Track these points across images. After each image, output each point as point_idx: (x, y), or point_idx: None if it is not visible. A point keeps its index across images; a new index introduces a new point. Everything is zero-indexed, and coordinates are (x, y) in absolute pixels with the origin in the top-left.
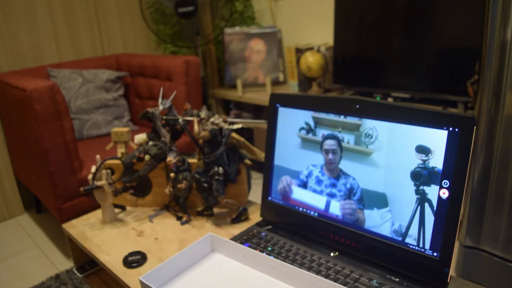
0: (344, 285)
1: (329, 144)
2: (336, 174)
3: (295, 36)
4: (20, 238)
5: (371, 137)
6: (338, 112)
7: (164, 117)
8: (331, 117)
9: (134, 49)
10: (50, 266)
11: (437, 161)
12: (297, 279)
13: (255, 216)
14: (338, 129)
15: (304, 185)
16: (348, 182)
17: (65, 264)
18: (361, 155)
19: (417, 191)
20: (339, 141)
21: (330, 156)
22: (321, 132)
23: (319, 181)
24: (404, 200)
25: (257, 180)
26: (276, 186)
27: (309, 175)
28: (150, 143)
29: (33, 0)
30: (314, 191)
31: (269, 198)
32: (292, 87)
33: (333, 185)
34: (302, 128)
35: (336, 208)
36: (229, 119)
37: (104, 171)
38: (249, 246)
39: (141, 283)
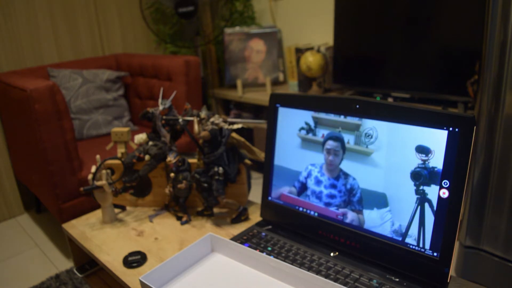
0: (344, 285)
1: (332, 145)
2: (336, 174)
3: (295, 36)
4: (20, 238)
5: (371, 137)
6: (338, 112)
7: (164, 117)
8: (331, 117)
9: (134, 49)
10: (50, 266)
11: (437, 161)
12: (297, 279)
13: (255, 216)
14: (338, 129)
15: (303, 185)
16: (348, 183)
17: (65, 264)
18: (361, 155)
19: (417, 191)
20: (342, 143)
21: (331, 157)
22: (321, 132)
23: (318, 182)
24: (404, 200)
25: (257, 180)
26: (276, 186)
27: (308, 175)
28: (150, 143)
29: (33, 0)
30: (314, 191)
31: (269, 198)
32: (292, 87)
33: (333, 186)
34: (302, 128)
35: (335, 208)
36: (229, 119)
37: (104, 171)
38: (249, 246)
39: (141, 283)
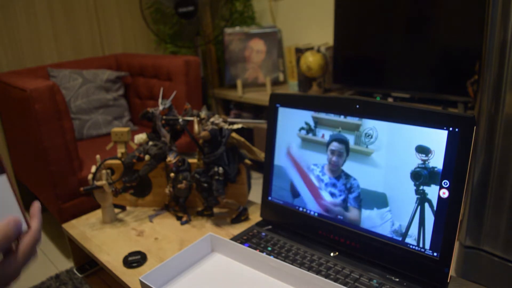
0: (344, 285)
1: (336, 146)
2: (337, 174)
3: (295, 36)
4: None
5: (371, 137)
6: (338, 112)
7: (164, 117)
8: (331, 117)
9: (134, 49)
10: (50, 266)
11: (437, 161)
12: (297, 279)
13: (255, 216)
14: (338, 129)
15: (304, 185)
16: (349, 183)
17: (65, 264)
18: (361, 155)
19: (417, 191)
20: (347, 146)
21: (335, 158)
22: (321, 132)
23: (319, 181)
24: (404, 200)
25: (257, 180)
26: (276, 186)
27: (310, 175)
28: (150, 143)
29: (33, 0)
30: (314, 190)
31: (269, 198)
32: (292, 87)
33: (334, 185)
34: (302, 128)
35: (335, 208)
36: (229, 119)
37: (104, 171)
38: (249, 246)
39: (141, 283)
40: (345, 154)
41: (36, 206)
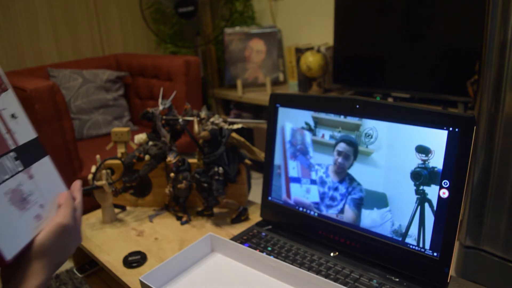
0: (344, 285)
1: (344, 147)
2: (342, 177)
3: (295, 36)
4: None
5: (371, 137)
6: (338, 112)
7: (164, 117)
8: (331, 117)
9: (134, 49)
10: None
11: (437, 161)
12: (297, 279)
13: (255, 216)
14: (338, 129)
15: (305, 185)
16: (351, 186)
17: (65, 264)
18: (361, 155)
19: (417, 191)
20: (355, 149)
21: (340, 160)
22: (321, 132)
23: (322, 182)
24: (404, 200)
25: (257, 180)
26: (276, 186)
27: (315, 175)
28: (150, 143)
29: (33, 0)
30: (316, 191)
31: (269, 198)
32: (292, 87)
33: (336, 189)
34: (302, 128)
35: (336, 209)
36: (229, 119)
37: (104, 171)
38: (249, 246)
39: (141, 283)
40: (352, 158)
41: (78, 183)
